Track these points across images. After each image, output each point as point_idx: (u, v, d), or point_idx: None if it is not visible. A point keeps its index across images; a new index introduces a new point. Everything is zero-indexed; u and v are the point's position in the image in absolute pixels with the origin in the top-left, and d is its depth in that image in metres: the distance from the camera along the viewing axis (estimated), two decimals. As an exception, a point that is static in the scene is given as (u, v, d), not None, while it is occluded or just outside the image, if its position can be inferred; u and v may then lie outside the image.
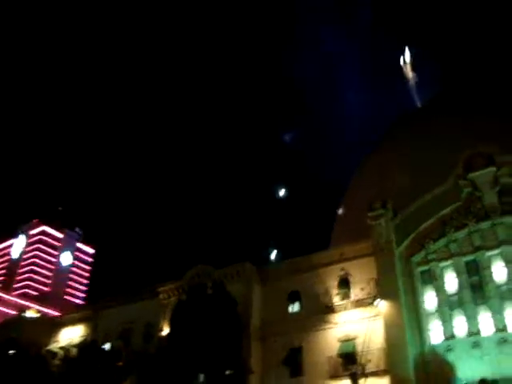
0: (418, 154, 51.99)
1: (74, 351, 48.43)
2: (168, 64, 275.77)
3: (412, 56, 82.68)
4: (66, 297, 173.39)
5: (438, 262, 36.15)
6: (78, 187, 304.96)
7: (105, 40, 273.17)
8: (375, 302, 36.14)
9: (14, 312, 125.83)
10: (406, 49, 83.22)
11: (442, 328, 34.05)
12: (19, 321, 70.13)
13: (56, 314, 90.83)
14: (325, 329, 39.15)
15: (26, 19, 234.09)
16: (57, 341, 55.85)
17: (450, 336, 33.41)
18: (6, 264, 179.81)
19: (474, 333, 32.68)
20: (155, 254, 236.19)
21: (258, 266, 45.58)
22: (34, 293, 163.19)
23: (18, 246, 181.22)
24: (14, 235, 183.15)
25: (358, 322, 37.48)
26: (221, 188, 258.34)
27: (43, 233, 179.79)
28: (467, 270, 35.00)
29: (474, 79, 69.59)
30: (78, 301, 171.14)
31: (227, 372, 35.85)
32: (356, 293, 39.13)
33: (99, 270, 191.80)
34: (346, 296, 39.73)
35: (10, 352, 46.58)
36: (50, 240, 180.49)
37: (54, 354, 51.65)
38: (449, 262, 35.81)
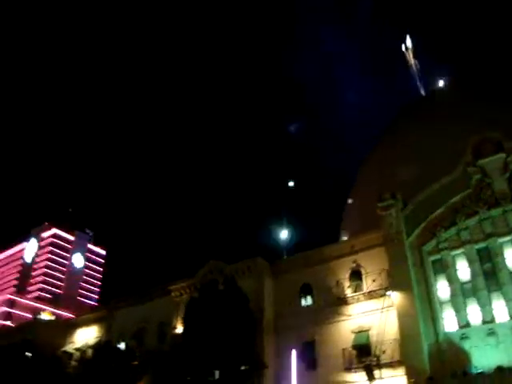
0: (426, 143, 51.65)
1: (90, 352, 48.85)
2: (173, 61, 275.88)
3: (413, 43, 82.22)
4: (79, 298, 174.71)
5: (449, 250, 35.91)
6: (87, 188, 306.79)
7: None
8: (387, 293, 36.00)
9: (29, 315, 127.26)
10: (407, 36, 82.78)
11: (456, 317, 33.85)
12: (34, 323, 70.96)
13: (70, 315, 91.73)
14: (338, 321, 39.14)
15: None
16: (72, 342, 56.34)
17: (464, 324, 33.20)
18: (19, 268, 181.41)
19: (488, 320, 32.45)
20: (166, 252, 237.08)
21: (269, 260, 45.61)
22: (48, 295, 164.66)
23: (30, 249, 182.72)
24: (26, 239, 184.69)
25: (371, 314, 37.40)
26: (228, 184, 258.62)
27: (54, 235, 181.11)
28: (479, 257, 34.74)
29: (478, 67, 68.95)
30: (91, 302, 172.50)
31: (242, 367, 35.95)
32: (368, 284, 39.05)
33: (111, 270, 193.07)
34: (358, 288, 39.64)
35: (27, 354, 47.08)
36: (61, 242, 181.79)
37: (69, 355, 52.15)
38: (460, 250, 35.57)
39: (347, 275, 40.52)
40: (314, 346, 39.44)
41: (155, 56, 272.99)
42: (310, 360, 39.09)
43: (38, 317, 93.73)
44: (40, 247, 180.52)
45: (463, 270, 35.16)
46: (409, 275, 35.75)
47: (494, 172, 36.05)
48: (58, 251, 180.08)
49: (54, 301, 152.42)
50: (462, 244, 35.60)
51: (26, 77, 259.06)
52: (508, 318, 31.87)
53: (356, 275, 40.22)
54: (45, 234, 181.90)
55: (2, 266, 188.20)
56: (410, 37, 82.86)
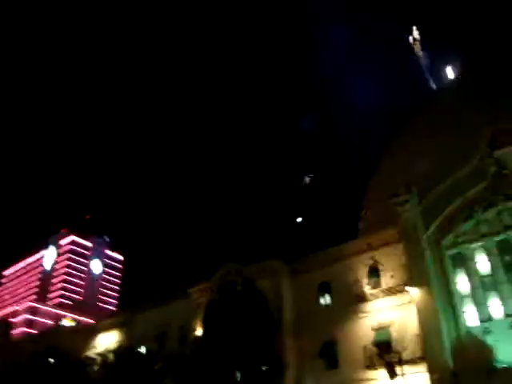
0: (441, 137, 51.16)
1: (111, 357, 49.30)
2: (188, 57, 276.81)
3: (421, 34, 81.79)
4: (99, 304, 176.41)
5: (468, 243, 35.55)
6: (103, 194, 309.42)
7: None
8: (406, 289, 35.77)
9: (50, 322, 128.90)
10: (414, 28, 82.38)
11: (477, 311, 33.50)
12: (57, 330, 71.88)
13: (91, 321, 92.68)
14: (358, 318, 38.99)
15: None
16: (94, 347, 56.93)
17: (486, 318, 32.83)
18: (39, 275, 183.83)
19: (510, 313, 32.04)
20: (183, 255, 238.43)
21: (287, 259, 45.60)
22: (69, 302, 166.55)
23: (49, 257, 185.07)
24: (45, 247, 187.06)
25: (390, 310, 37.21)
26: (244, 184, 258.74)
27: (72, 242, 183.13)
28: (499, 249, 34.30)
29: (491, 57, 68.08)
30: (111, 307, 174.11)
31: (263, 368, 35.99)
32: (387, 281, 38.84)
33: (129, 275, 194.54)
34: (376, 284, 39.44)
35: (51, 360, 47.71)
36: (79, 249, 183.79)
37: (92, 361, 52.68)
38: (479, 243, 35.18)
39: (365, 272, 40.35)
40: (334, 345, 39.34)
41: (166, 56, 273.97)
42: (331, 358, 39.02)
43: (60, 323, 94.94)
44: (59, 254, 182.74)
45: (483, 263, 34.77)
46: (427, 270, 35.47)
47: (510, 163, 35.61)
48: (77, 258, 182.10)
49: (75, 307, 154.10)
50: (480, 237, 35.21)
51: (41, 82, 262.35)
52: (531, 311, 31.48)
53: (374, 272, 40.02)
54: (63, 242, 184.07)
55: (23, 274, 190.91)
56: (418, 28, 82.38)
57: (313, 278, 43.12)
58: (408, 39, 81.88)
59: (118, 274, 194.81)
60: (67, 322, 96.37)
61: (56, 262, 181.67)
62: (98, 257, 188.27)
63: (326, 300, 42.56)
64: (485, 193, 35.96)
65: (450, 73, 71.97)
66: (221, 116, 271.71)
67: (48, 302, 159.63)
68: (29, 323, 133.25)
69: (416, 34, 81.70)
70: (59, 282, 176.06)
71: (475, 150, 37.52)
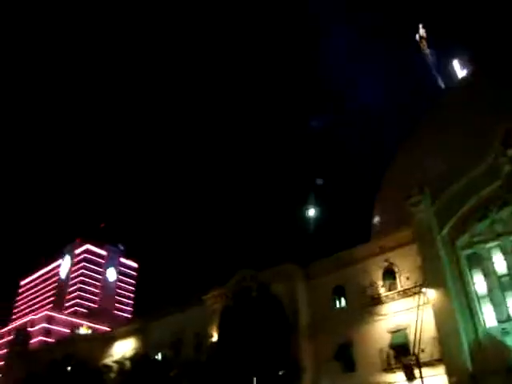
0: (453, 136, 50.78)
1: (128, 364, 49.49)
2: (198, 57, 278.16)
3: (427, 32, 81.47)
4: (114, 312, 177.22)
5: (483, 243, 35.15)
6: (116, 202, 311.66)
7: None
8: (422, 290, 35.41)
9: (67, 330, 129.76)
10: (420, 25, 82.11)
11: (494, 311, 33.06)
12: (73, 338, 72.34)
13: (107, 329, 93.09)
14: (374, 321, 38.74)
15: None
16: (110, 355, 57.19)
17: (504, 319, 32.38)
18: (55, 285, 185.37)
19: (529, 313, 31.63)
20: (198, 262, 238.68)
21: (301, 263, 45.49)
22: (84, 310, 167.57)
23: (64, 266, 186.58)
24: (60, 256, 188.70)
25: (407, 312, 36.89)
26: (256, 189, 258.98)
27: (87, 251, 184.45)
28: (516, 249, 33.86)
29: (500, 55, 67.48)
30: (126, 315, 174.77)
31: (280, 372, 35.86)
32: (402, 282, 38.56)
33: (144, 282, 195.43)
34: (392, 286, 39.17)
35: (68, 368, 48.03)
36: (94, 258, 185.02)
37: (108, 368, 52.93)
38: (495, 243, 34.76)
39: (380, 274, 40.11)
40: (350, 348, 39.13)
41: (174, 58, 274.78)
42: (347, 361, 38.81)
43: (77, 331, 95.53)
44: (74, 263, 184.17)
45: (499, 262, 34.34)
46: (443, 271, 35.12)
47: (525, 161, 35.21)
48: (92, 266, 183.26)
49: (90, 315, 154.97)
50: (496, 236, 34.80)
51: (48, 86, 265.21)
52: (550, 310, 31.00)
53: (389, 274, 39.77)
54: (78, 251, 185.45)
55: (39, 283, 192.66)
56: (424, 26, 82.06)
57: (327, 281, 42.95)
58: (415, 37, 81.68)
59: (132, 281, 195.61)
60: (83, 330, 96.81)
61: (71, 271, 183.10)
62: (113, 265, 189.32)
63: (340, 303, 42.36)
64: (499, 191, 35.56)
65: (458, 71, 71.43)
66: (234, 122, 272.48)
67: (64, 311, 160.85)
68: (46, 332, 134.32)
69: (422, 31, 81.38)
70: (75, 290, 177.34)
71: (489, 148, 37.15)
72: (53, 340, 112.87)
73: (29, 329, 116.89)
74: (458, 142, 48.48)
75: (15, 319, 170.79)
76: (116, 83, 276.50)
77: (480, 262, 34.92)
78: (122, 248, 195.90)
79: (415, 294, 36.52)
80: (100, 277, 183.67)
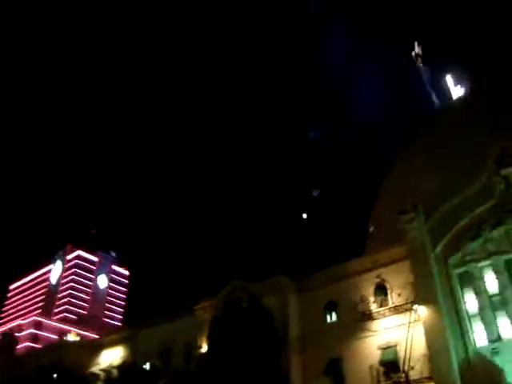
0: (447, 154, 51.17)
1: (115, 373, 49.00)
2: (194, 62, 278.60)
3: (423, 49, 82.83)
4: (104, 319, 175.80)
5: (476, 262, 35.19)
6: (109, 210, 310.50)
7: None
8: (414, 307, 35.40)
9: (55, 336, 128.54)
10: (416, 43, 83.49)
11: (485, 330, 33.02)
12: (61, 345, 71.56)
13: (95, 336, 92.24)
14: (364, 337, 38.60)
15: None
16: (98, 363, 56.58)
17: (495, 338, 32.31)
18: (45, 290, 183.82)
19: (520, 334, 31.60)
20: (189, 272, 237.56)
21: (293, 276, 45.38)
22: (73, 317, 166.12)
23: (55, 271, 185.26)
24: (51, 261, 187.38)
25: (397, 329, 36.78)
26: (250, 201, 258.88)
27: (78, 257, 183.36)
28: (507, 268, 33.94)
29: (496, 74, 68.31)
30: (115, 322, 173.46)
31: (268, 386, 35.60)
32: (393, 299, 38.52)
33: (135, 291, 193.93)
34: (383, 303, 39.11)
35: (54, 375, 47.49)
36: (85, 264, 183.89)
37: (95, 376, 52.37)
38: (487, 262, 34.80)
39: (372, 290, 40.05)
40: (341, 363, 38.92)
41: (173, 66, 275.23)
42: (337, 377, 38.57)
43: (65, 338, 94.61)
44: (65, 269, 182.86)
45: (491, 282, 34.35)
46: (435, 289, 35.12)
47: (518, 181, 35.43)
48: (83, 273, 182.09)
49: (79, 322, 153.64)
50: (488, 255, 34.86)
51: (43, 88, 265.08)
52: (540, 331, 31.00)
53: (381, 290, 39.73)
54: (69, 256, 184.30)
55: (29, 288, 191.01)
56: (420, 43, 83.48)
57: (319, 295, 42.82)
58: (411, 54, 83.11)
59: (123, 289, 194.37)
60: (72, 337, 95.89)
61: (62, 277, 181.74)
62: (104, 272, 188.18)
63: (332, 318, 42.21)
64: (493, 211, 35.73)
65: (452, 87, 72.32)
66: (229, 129, 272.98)
67: (53, 317, 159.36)
68: (34, 338, 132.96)
69: (418, 49, 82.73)
70: (65, 296, 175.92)
71: (483, 167, 37.40)
72: (40, 346, 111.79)
73: (16, 334, 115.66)
74: (452, 160, 48.84)
75: (2, 324, 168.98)
76: (113, 88, 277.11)
77: (472, 280, 34.95)
78: (114, 255, 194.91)
79: (406, 310, 36.50)
80: (91, 283, 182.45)
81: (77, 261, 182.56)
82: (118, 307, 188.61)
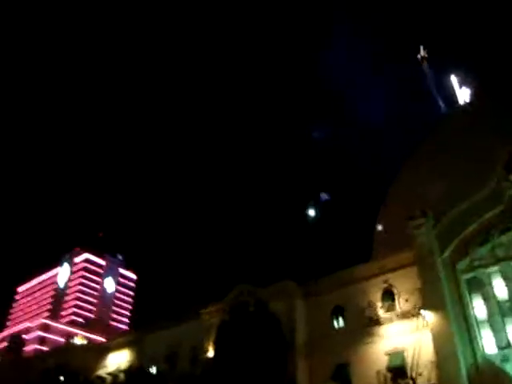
0: (456, 159, 50.89)
1: (122, 376, 49.05)
2: (197, 64, 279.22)
3: (429, 53, 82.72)
4: (111, 323, 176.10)
5: (484, 268, 34.96)
6: (117, 213, 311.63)
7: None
8: (421, 313, 35.17)
9: (62, 339, 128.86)
10: (421, 47, 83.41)
11: (494, 337, 32.74)
12: (68, 347, 71.83)
13: (102, 339, 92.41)
14: (371, 342, 38.38)
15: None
16: (105, 366, 56.67)
17: (504, 345, 32.05)
18: (52, 293, 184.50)
19: (529, 340, 31.30)
20: (196, 276, 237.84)
21: (300, 281, 45.23)
22: (81, 320, 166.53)
23: (63, 274, 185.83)
24: (59, 264, 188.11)
25: (405, 334, 36.55)
26: (258, 205, 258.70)
27: (86, 260, 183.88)
28: (516, 274, 33.68)
29: (503, 78, 67.98)
30: (122, 326, 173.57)
31: (274, 391, 35.48)
32: (401, 304, 38.29)
33: (142, 294, 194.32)
34: (390, 308, 38.89)
35: (61, 378, 47.61)
36: (93, 267, 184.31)
37: (102, 380, 52.46)
38: (496, 268, 34.57)
39: (379, 295, 39.86)
40: (348, 368, 38.72)
41: (176, 70, 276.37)
42: (344, 382, 38.35)
43: (71, 341, 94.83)
44: (72, 272, 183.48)
45: (500, 288, 34.10)
46: (443, 294, 34.90)
47: (528, 186, 35.21)
48: (90, 276, 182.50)
49: (86, 325, 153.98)
50: (497, 261, 34.63)
51: (49, 91, 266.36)
52: (550, 338, 30.69)
53: (388, 295, 39.52)
54: (77, 259, 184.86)
55: (37, 290, 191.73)
56: (425, 46, 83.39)
57: (326, 300, 42.67)
58: (417, 57, 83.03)
59: (130, 292, 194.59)
60: (79, 340, 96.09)
61: (69, 280, 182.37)
62: (112, 275, 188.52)
63: (339, 323, 42.03)
64: (502, 216, 35.50)
65: (459, 91, 72.09)
66: (235, 132, 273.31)
67: (60, 320, 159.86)
68: (41, 340, 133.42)
69: (423, 52, 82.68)
70: (72, 299, 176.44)
71: (491, 172, 37.19)
72: (47, 348, 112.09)
73: (24, 336, 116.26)
74: (459, 166, 48.55)
75: (10, 326, 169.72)
76: (118, 91, 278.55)
77: (480, 286, 34.71)
78: (121, 258, 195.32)
79: (414, 316, 36.30)
80: (98, 286, 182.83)
81: (84, 264, 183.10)
82: (125, 311, 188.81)
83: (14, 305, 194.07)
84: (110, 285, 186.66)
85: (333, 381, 38.57)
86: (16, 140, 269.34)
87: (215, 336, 40.69)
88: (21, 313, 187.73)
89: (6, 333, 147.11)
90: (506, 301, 33.42)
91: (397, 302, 38.77)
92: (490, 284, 34.42)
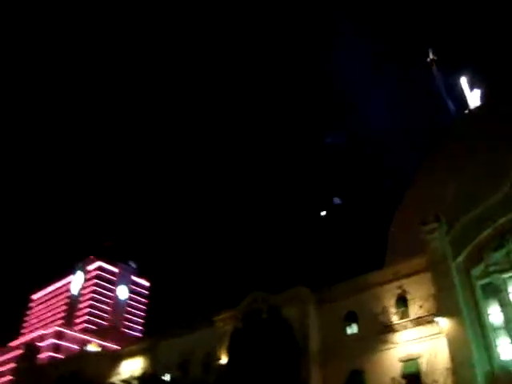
0: (468, 165, 50.56)
1: (136, 383, 49.13)
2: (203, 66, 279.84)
3: (437, 57, 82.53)
4: (124, 330, 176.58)
5: (499, 273, 34.56)
6: (130, 221, 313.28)
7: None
8: (436, 319, 34.81)
9: (76, 346, 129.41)
10: (430, 50, 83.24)
11: (511, 344, 32.29)
12: (82, 355, 72.11)
13: (116, 347, 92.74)
14: (385, 349, 38.04)
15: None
16: (118, 373, 56.85)
17: (520, 352, 31.61)
18: (66, 300, 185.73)
19: (546, 347, 30.83)
20: (209, 283, 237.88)
21: (313, 287, 45.08)
22: (94, 327, 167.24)
23: (76, 282, 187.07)
24: (72, 272, 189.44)
25: (419, 341, 36.21)
26: (271, 212, 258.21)
27: (99, 268, 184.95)
28: (533, 280, 33.26)
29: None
30: (135, 333, 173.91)
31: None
32: (415, 311, 37.91)
33: (155, 302, 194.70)
34: (404, 314, 38.55)
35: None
36: (106, 275, 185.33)
37: (116, 387, 52.60)
38: (511, 274, 34.16)
39: (393, 302, 39.54)
40: (362, 375, 38.41)
41: (183, 78, 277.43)
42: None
43: (85, 348, 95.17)
44: (86, 280, 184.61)
45: (516, 293, 33.66)
46: (457, 300, 34.52)
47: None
48: (103, 283, 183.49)
49: (100, 332, 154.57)
50: (512, 266, 34.21)
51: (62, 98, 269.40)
52: None
53: (402, 301, 39.19)
54: (90, 267, 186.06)
55: (51, 298, 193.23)
56: (434, 50, 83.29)
57: (339, 306, 42.44)
58: (427, 61, 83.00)
59: (143, 300, 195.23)
60: (93, 348, 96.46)
61: (83, 287, 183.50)
62: (125, 283, 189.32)
63: (352, 329, 41.75)
64: (516, 221, 35.09)
65: (469, 93, 71.69)
66: (250, 140, 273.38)
67: (74, 327, 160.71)
68: (55, 348, 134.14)
69: (432, 55, 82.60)
70: (85, 307, 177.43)
71: (505, 177, 36.85)
72: (62, 356, 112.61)
73: (38, 344, 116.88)
74: (474, 170, 48.19)
75: (25, 334, 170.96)
76: (123, 95, 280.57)
77: (496, 292, 34.29)
78: (134, 266, 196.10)
79: (428, 322, 35.94)
80: (111, 294, 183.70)
81: (98, 272, 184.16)
82: (139, 318, 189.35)
83: (29, 312, 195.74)
84: (123, 292, 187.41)
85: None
86: (31, 145, 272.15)
87: (228, 343, 40.68)
88: (35, 320, 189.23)
89: (20, 340, 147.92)
90: (523, 307, 32.97)
91: (411, 308, 38.42)
92: (506, 290, 33.99)
